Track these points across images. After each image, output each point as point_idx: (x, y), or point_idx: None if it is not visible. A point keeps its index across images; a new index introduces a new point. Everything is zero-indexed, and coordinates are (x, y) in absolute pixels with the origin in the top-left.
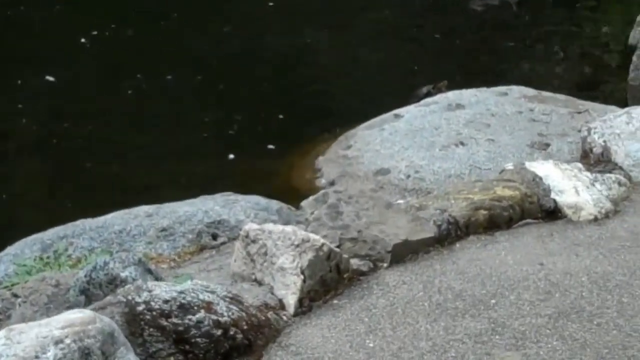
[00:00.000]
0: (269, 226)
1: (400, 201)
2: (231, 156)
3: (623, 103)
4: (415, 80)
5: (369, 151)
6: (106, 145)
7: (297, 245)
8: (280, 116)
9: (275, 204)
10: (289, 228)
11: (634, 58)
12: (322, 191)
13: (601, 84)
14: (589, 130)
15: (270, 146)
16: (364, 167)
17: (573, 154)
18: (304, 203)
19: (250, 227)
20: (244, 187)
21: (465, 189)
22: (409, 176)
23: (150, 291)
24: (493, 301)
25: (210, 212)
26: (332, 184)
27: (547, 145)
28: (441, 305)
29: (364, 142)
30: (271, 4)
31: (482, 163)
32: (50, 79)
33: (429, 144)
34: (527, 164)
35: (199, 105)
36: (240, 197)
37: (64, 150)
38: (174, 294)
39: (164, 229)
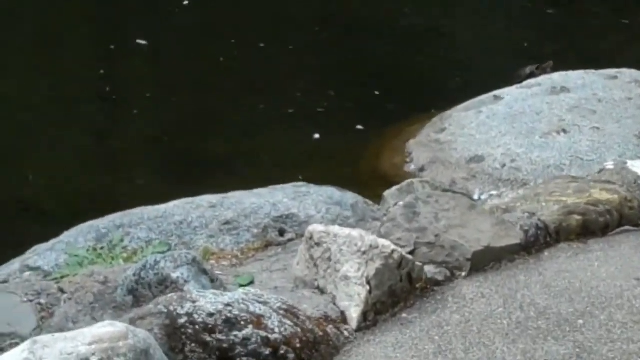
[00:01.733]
0: (335, 229)
1: (493, 192)
2: (316, 136)
3: None
4: (521, 58)
5: (464, 136)
6: (185, 118)
7: (364, 252)
8: (376, 92)
9: (351, 197)
10: (355, 232)
11: None
12: (407, 181)
13: None
14: None
15: (359, 126)
16: (457, 153)
17: None
18: (386, 193)
19: (315, 228)
20: (325, 171)
21: (558, 190)
22: (504, 165)
23: (194, 302)
24: (581, 321)
25: (279, 205)
26: (421, 170)
27: None
28: (522, 324)
29: (458, 125)
30: None
31: (585, 154)
32: (142, 42)
33: (528, 131)
34: (629, 163)
35: (290, 77)
36: (312, 188)
37: (140, 122)
38: (220, 307)
39: (227, 222)
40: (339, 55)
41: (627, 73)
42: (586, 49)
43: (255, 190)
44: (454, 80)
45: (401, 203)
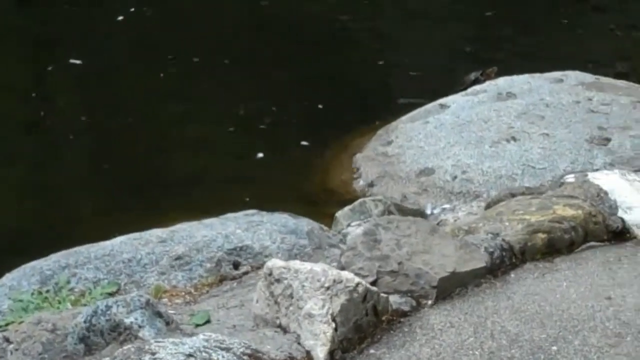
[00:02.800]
0: (295, 264)
1: (446, 206)
2: (260, 155)
3: None
4: (463, 64)
5: (412, 148)
6: (124, 142)
7: (328, 288)
8: (320, 106)
9: (305, 223)
10: (318, 267)
11: None
12: (358, 200)
13: None
14: None
15: (304, 142)
16: (406, 166)
17: (636, 150)
18: (338, 214)
19: (274, 264)
20: (273, 192)
21: (521, 208)
22: (455, 177)
23: (153, 354)
24: (554, 348)
25: (232, 237)
26: (371, 185)
27: (608, 140)
28: (495, 355)
29: (405, 137)
30: None
31: (537, 162)
32: (76, 62)
33: (477, 140)
34: (590, 176)
35: (228, 92)
36: (266, 216)
37: (77, 149)
38: (181, 358)
39: (179, 257)
40: (279, 67)
41: (572, 75)
42: (529, 51)
43: (206, 221)
44: (395, 89)
45: (360, 231)
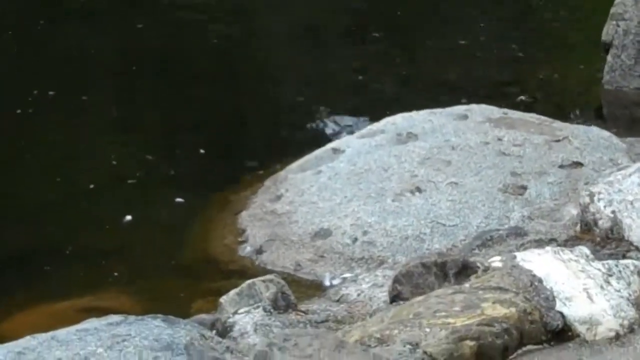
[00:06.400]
0: None
1: (347, 275)
2: (128, 217)
3: (598, 111)
4: (357, 96)
5: (304, 204)
6: None
7: None
8: (202, 151)
9: (184, 333)
10: None
11: (609, 58)
12: (246, 282)
13: (573, 91)
14: (591, 196)
15: (179, 199)
16: (299, 227)
17: (556, 198)
18: (223, 300)
19: None
20: (142, 268)
21: (443, 307)
22: (355, 240)
23: None
24: None
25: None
26: (259, 252)
27: (524, 188)
28: None
29: (296, 190)
30: None
31: (446, 217)
32: None
33: (377, 192)
34: (519, 257)
35: (89, 137)
36: (134, 325)
37: None
38: None
39: None
40: (155, 104)
41: (477, 110)
42: (428, 80)
43: (61, 335)
44: (280, 127)
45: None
